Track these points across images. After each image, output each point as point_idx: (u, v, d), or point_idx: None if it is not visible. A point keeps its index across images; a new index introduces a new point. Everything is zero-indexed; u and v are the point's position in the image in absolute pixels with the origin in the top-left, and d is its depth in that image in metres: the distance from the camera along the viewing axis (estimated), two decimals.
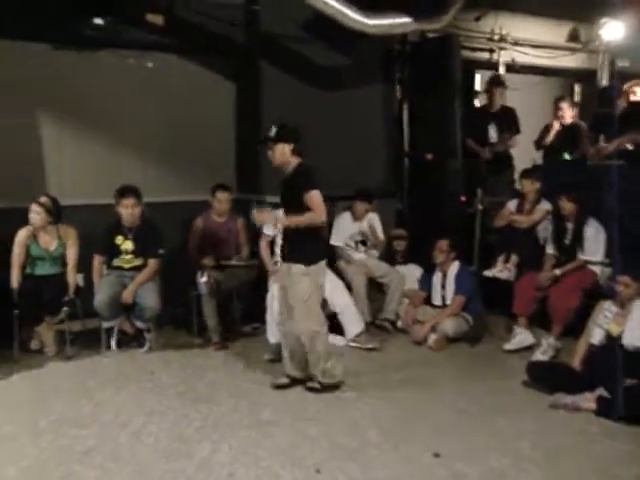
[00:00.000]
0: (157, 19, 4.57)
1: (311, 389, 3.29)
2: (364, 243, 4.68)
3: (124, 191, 4.03)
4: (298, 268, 3.18)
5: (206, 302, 4.08)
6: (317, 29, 4.67)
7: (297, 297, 3.20)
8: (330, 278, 4.21)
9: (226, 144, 5.14)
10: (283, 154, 3.25)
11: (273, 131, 3.25)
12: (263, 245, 4.26)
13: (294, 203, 3.21)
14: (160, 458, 2.60)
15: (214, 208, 4.44)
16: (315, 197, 3.15)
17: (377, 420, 2.95)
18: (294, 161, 3.27)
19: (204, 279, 4.08)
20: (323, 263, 3.32)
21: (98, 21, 4.39)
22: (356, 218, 4.64)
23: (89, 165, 4.64)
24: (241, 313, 4.49)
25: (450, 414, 3.03)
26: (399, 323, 4.42)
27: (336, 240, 4.59)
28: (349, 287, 4.30)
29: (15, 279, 3.85)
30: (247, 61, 4.95)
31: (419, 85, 5.25)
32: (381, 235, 4.75)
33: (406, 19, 4.44)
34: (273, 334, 3.87)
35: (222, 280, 4.19)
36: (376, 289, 4.61)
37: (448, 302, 4.17)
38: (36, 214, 3.87)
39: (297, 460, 2.57)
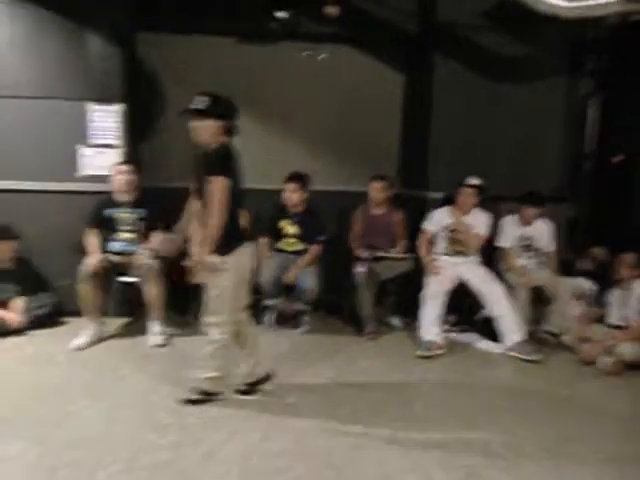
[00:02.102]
0: (333, 10, 4.64)
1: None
2: (529, 248, 4.37)
3: (289, 176, 4.26)
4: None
5: (361, 292, 4.13)
6: (498, 16, 4.38)
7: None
8: (490, 280, 4.04)
9: (391, 137, 5.13)
10: (211, 132, 2.71)
11: (203, 103, 2.69)
12: (422, 241, 4.22)
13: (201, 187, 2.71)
14: (316, 431, 2.71)
15: (371, 198, 4.47)
16: (217, 185, 2.58)
17: (536, 435, 2.77)
18: (220, 140, 2.73)
19: (361, 269, 4.15)
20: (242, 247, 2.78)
21: (281, 14, 4.60)
22: (524, 222, 4.35)
23: (263, 152, 4.88)
24: (393, 306, 4.48)
25: (626, 448, 2.71)
26: (563, 338, 4.07)
27: (503, 242, 4.34)
28: (510, 292, 4.06)
29: None
30: (419, 52, 4.85)
31: (616, 78, 4.68)
32: (551, 245, 4.36)
33: None
34: (428, 332, 3.82)
35: (378, 271, 4.21)
36: (539, 298, 4.29)
37: (629, 323, 3.72)
38: None
39: (448, 460, 2.51)
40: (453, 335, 4.17)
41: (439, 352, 3.79)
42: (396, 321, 4.43)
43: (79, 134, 4.18)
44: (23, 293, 4.00)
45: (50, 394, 3.03)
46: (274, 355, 3.67)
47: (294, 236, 4.28)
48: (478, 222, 4.19)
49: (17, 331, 3.87)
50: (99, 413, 2.84)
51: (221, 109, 2.74)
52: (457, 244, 4.20)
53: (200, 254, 2.68)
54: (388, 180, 4.49)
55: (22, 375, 3.29)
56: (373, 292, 4.16)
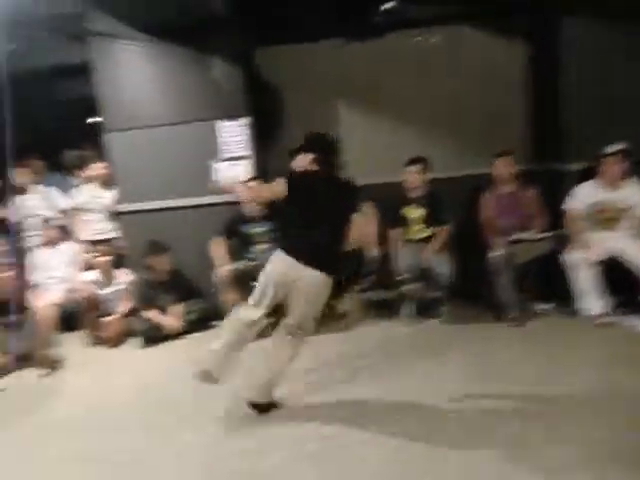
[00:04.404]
0: None
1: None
2: None
3: (409, 160, 4.30)
4: None
5: (500, 276, 3.93)
6: None
7: None
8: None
9: (515, 112, 4.80)
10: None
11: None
12: (569, 221, 3.97)
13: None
14: (469, 431, 2.58)
15: (497, 177, 4.28)
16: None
17: None
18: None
19: (497, 253, 3.94)
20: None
21: (386, 6, 4.58)
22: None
23: (386, 147, 4.87)
24: (536, 290, 4.17)
25: None
26: None
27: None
28: None
29: None
30: (542, 19, 4.51)
31: None
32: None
33: None
34: (589, 305, 3.76)
35: (516, 254, 3.96)
36: None
37: None
38: None
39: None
40: (615, 319, 3.74)
41: (607, 321, 3.67)
42: (542, 306, 4.14)
43: (214, 151, 4.52)
44: (178, 300, 4.42)
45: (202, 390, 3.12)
46: (416, 346, 3.70)
47: (419, 220, 4.24)
48: (634, 197, 3.80)
49: (175, 335, 4.28)
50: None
51: None
52: (606, 222, 3.86)
53: None
54: (512, 154, 4.26)
55: (180, 374, 3.50)
56: (511, 277, 3.92)
